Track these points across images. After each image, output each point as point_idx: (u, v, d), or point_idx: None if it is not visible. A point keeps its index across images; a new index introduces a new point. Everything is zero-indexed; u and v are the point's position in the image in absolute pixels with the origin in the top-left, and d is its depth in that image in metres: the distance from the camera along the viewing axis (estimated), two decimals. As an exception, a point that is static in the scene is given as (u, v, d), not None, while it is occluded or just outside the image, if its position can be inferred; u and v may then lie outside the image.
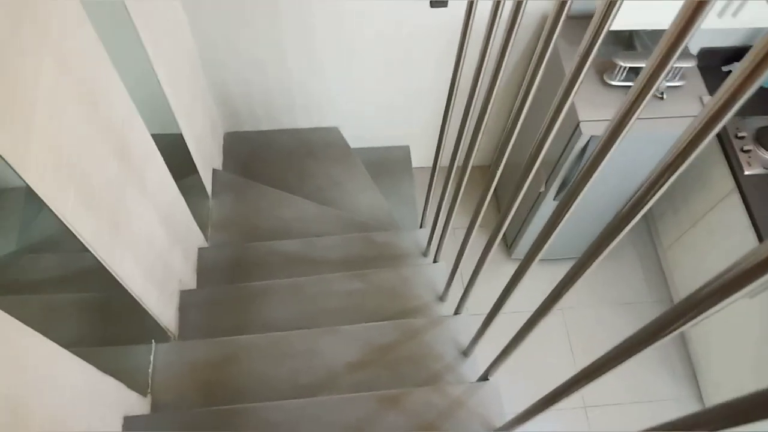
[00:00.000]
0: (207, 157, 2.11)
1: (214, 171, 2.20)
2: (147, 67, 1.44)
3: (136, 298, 1.28)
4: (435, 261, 1.74)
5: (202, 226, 2.02)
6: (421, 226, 1.93)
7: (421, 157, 2.82)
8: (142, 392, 1.38)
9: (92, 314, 1.27)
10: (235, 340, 1.53)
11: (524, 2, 0.82)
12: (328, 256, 1.86)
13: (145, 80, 1.49)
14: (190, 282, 1.74)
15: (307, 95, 2.37)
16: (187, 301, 1.62)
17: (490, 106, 1.03)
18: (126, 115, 1.23)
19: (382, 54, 2.18)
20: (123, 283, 1.20)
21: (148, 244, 1.36)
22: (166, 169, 1.51)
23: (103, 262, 1.09)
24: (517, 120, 0.93)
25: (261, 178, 2.34)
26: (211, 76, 2.23)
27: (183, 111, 1.73)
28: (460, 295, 1.46)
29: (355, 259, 1.85)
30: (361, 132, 2.62)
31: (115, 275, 1.15)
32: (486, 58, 1.01)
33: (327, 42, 2.10)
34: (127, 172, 1.22)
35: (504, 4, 0.90)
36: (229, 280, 1.80)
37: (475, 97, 1.11)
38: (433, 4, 2.03)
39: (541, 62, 0.80)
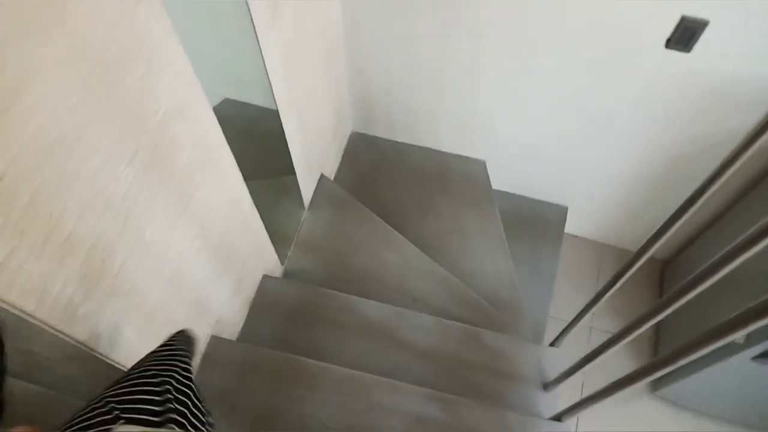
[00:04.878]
0: (315, 158, 1.72)
1: (322, 178, 1.80)
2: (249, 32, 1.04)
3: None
4: (558, 419, 1.18)
5: (284, 241, 1.64)
6: (552, 343, 1.37)
7: (577, 226, 2.22)
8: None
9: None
10: None
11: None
12: (416, 343, 1.38)
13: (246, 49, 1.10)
14: (234, 320, 1.35)
15: (462, 114, 1.88)
16: (215, 354, 1.22)
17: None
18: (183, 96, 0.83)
19: (577, 91, 1.62)
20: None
21: (174, 281, 0.97)
22: (235, 169, 1.10)
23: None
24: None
25: (375, 198, 1.91)
26: (353, 64, 1.82)
27: (291, 99, 1.33)
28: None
29: (447, 361, 1.35)
30: (512, 174, 2.08)
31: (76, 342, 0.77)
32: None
33: (507, 56, 1.58)
34: (151, 173, 0.83)
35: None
36: (282, 334, 1.38)
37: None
38: (669, 45, 1.43)
39: None
